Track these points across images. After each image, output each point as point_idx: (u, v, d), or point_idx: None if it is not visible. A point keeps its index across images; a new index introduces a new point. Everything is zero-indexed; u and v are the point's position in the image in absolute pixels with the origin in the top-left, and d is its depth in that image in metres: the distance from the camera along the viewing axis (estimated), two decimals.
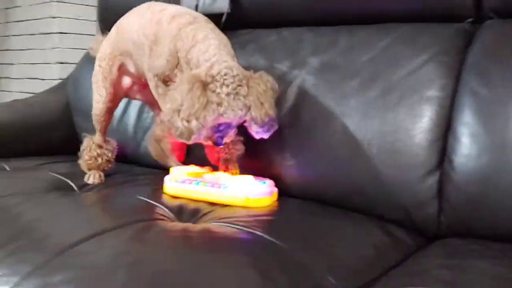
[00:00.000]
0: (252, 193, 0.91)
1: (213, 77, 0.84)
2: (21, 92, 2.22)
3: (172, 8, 1.03)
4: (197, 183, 0.95)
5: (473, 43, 0.95)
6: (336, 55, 1.06)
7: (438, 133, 0.89)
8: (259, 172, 1.04)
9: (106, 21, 1.35)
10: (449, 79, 0.91)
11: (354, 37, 1.07)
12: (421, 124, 0.90)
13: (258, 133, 0.91)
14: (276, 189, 0.97)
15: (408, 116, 0.91)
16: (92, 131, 1.33)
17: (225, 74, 0.85)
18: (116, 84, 1.12)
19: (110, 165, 1.15)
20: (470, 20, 1.00)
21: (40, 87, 2.10)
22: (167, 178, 0.99)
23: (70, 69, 1.89)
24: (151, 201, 0.91)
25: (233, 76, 0.85)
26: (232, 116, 0.85)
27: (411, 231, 0.89)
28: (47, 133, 1.47)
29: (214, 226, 0.77)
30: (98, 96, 1.13)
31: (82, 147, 1.15)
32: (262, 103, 0.87)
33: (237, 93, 0.85)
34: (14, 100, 1.65)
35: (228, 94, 0.84)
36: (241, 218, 0.81)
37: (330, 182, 0.96)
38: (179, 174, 1.00)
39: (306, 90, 1.04)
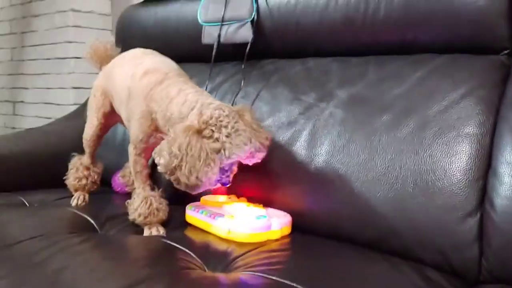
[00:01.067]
0: (235, 227, 0.90)
1: (206, 123, 0.83)
2: (36, 116, 2.21)
3: (148, 61, 1.02)
4: (201, 212, 0.98)
5: (510, 77, 0.92)
6: (365, 88, 1.03)
7: (477, 172, 0.85)
8: (286, 209, 1.01)
9: (123, 45, 1.33)
10: (488, 115, 0.87)
11: (384, 69, 1.04)
12: (459, 162, 0.86)
13: (258, 158, 0.91)
14: (279, 227, 0.94)
15: (445, 154, 0.87)
16: (111, 159, 1.32)
17: (219, 116, 0.83)
18: (107, 115, 1.15)
19: (95, 187, 1.20)
20: (505, 52, 0.96)
21: (55, 112, 2.08)
22: (187, 207, 1.03)
23: (85, 94, 1.88)
24: (176, 245, 0.87)
25: (227, 116, 0.84)
26: (240, 154, 0.84)
27: (450, 275, 0.84)
28: (65, 163, 1.44)
29: (248, 277, 0.73)
30: (90, 123, 1.17)
31: (69, 167, 1.20)
32: (256, 130, 0.88)
33: (236, 130, 0.83)
34: (30, 129, 1.63)
35: (228, 135, 0.83)
36: (274, 266, 0.77)
37: (363, 223, 0.92)
38: (198, 203, 1.05)
39: (335, 124, 1.00)
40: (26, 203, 1.17)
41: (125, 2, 1.94)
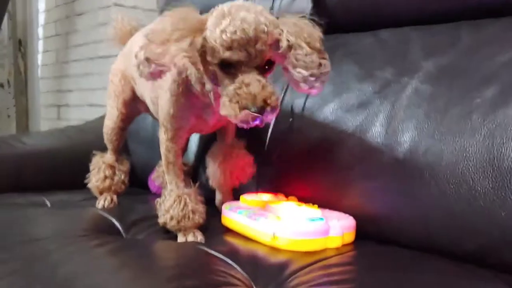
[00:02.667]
0: (282, 230, 0.70)
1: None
2: (80, 119, 2.10)
3: None
4: (240, 212, 0.79)
5: None
6: (460, 57, 0.80)
7: None
8: (353, 213, 0.79)
9: None
10: None
11: (481, 34, 0.81)
12: None
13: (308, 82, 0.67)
14: (340, 232, 0.73)
15: None
16: (147, 156, 1.17)
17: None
18: (129, 104, 0.99)
19: (123, 187, 1.03)
20: None
21: (100, 114, 1.96)
22: (223, 206, 0.85)
23: None
24: (216, 253, 0.67)
25: None
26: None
27: None
28: None
29: None
30: (110, 114, 1.02)
31: (90, 167, 1.02)
32: (299, 32, 0.65)
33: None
34: (67, 126, 1.51)
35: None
36: (347, 285, 0.55)
37: (464, 230, 0.68)
38: (237, 202, 0.87)
39: (422, 103, 0.78)
40: (48, 204, 1.02)
41: None
